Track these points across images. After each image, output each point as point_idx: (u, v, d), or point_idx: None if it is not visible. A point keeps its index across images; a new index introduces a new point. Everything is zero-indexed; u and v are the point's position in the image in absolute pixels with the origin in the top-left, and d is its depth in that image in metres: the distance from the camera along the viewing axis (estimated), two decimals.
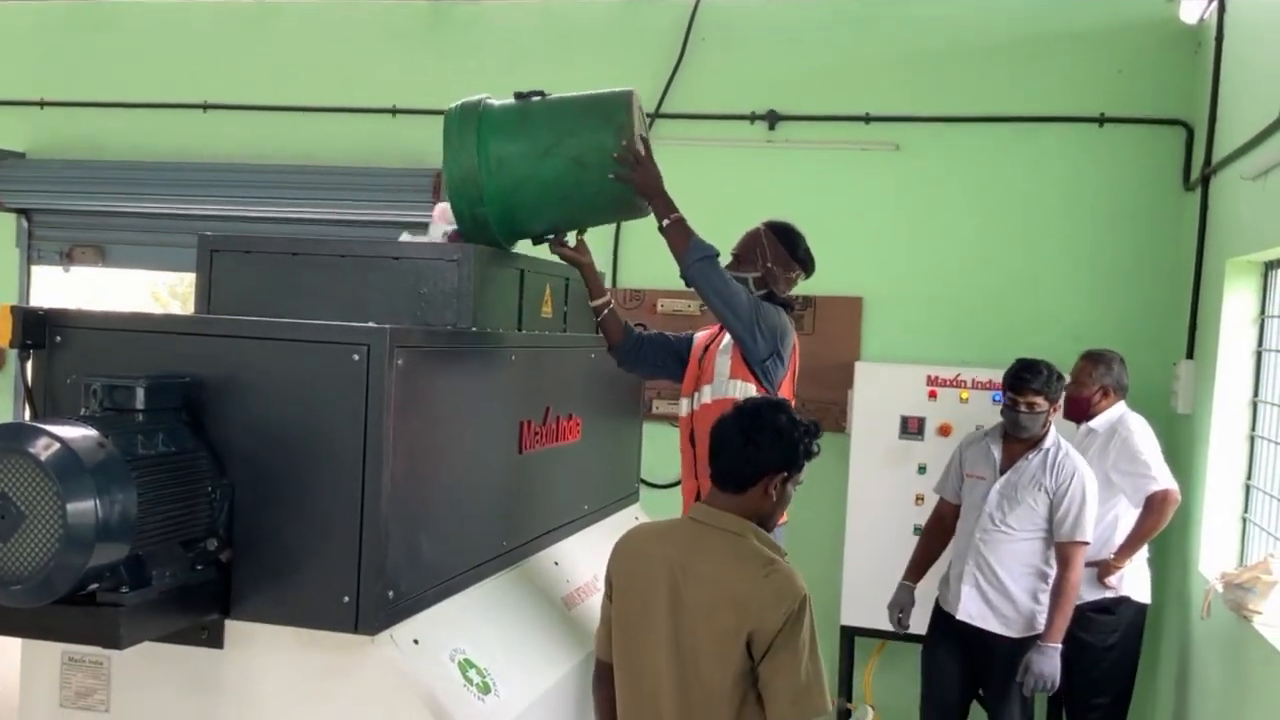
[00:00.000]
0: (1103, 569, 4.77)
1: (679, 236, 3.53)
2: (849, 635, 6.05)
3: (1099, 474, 4.75)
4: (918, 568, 4.99)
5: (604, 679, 2.94)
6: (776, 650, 2.65)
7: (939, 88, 6.24)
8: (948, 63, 6.23)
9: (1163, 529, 4.80)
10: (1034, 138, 6.11)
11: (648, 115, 6.50)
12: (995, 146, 6.17)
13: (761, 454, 2.78)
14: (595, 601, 3.62)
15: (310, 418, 2.61)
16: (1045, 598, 4.51)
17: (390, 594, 2.62)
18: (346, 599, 2.57)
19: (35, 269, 7.45)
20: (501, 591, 3.26)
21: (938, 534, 4.97)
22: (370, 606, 2.57)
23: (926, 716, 4.93)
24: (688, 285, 3.62)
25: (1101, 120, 6.01)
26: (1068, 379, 4.80)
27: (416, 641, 2.70)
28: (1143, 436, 4.86)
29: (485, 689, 2.80)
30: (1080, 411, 5.03)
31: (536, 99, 3.37)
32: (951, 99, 6.22)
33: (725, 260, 3.84)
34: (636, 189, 3.39)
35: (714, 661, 2.69)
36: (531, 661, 3.13)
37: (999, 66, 6.17)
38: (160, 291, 14.02)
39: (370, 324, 2.66)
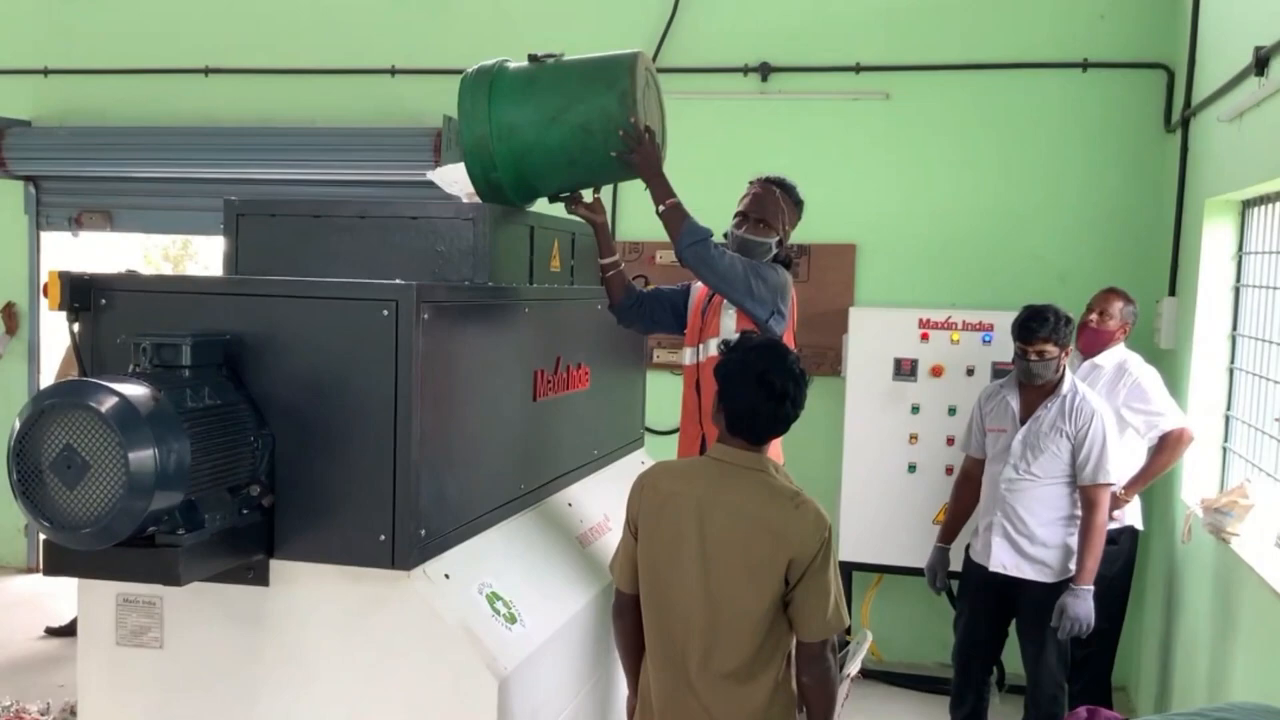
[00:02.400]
0: (1112, 502, 4.83)
1: (674, 221, 3.68)
2: (847, 570, 6.25)
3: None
4: (950, 529, 4.98)
5: (626, 609, 3.09)
6: (813, 574, 2.85)
7: (927, 37, 6.38)
8: (935, 12, 6.37)
9: (1174, 465, 4.97)
10: (1020, 84, 6.26)
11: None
12: (982, 93, 6.33)
13: (789, 419, 2.95)
14: (608, 539, 3.82)
15: (344, 370, 2.78)
16: (1075, 541, 4.50)
17: (423, 532, 2.81)
18: (383, 538, 2.75)
19: (45, 235, 7.60)
20: (522, 530, 3.45)
21: (966, 491, 4.94)
22: (405, 544, 2.76)
23: (959, 661, 4.91)
24: (682, 265, 3.77)
25: (1085, 65, 6.16)
26: (1075, 320, 4.72)
27: (448, 576, 2.89)
28: (1151, 376, 4.98)
29: (511, 619, 3.00)
30: (1101, 345, 5.06)
31: (550, 60, 3.49)
32: (939, 47, 6.36)
33: (731, 232, 4.00)
34: (635, 169, 3.55)
35: (748, 588, 2.86)
36: (553, 594, 3.32)
37: (985, 14, 6.31)
38: (153, 255, 14.14)
39: (398, 281, 2.82)
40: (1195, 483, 5.13)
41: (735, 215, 4.07)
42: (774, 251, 4.03)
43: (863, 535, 6.10)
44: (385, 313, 2.75)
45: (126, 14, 7.38)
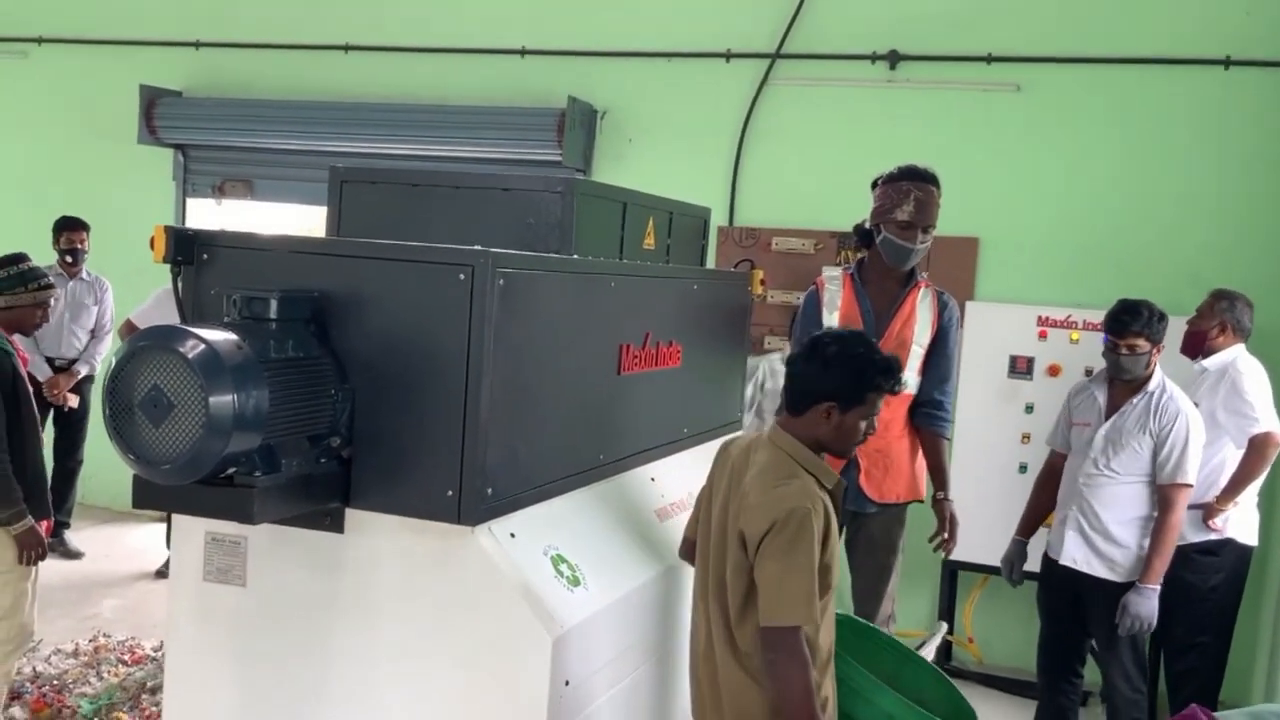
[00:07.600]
0: (1207, 511, 4.77)
1: None
2: (951, 570, 6.20)
3: (1206, 413, 4.74)
4: (1029, 522, 4.97)
5: (685, 552, 3.44)
6: (762, 555, 2.91)
7: (1061, 28, 6.24)
8: (1070, 2, 6.21)
9: (1266, 472, 4.80)
10: (1157, 80, 6.07)
11: (769, 56, 6.65)
12: (1117, 88, 6.15)
13: (813, 381, 3.03)
14: (686, 516, 3.85)
15: (421, 330, 2.88)
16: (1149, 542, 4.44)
17: (489, 491, 2.89)
18: (450, 493, 2.84)
19: (190, 201, 7.99)
20: (597, 499, 3.50)
21: (1049, 487, 4.91)
22: (471, 501, 2.84)
23: (1039, 660, 4.96)
24: None
25: (1227, 63, 5.94)
26: (1169, 318, 4.64)
27: (513, 535, 2.97)
28: (1253, 378, 4.85)
29: (575, 582, 3.07)
30: (1197, 346, 5.01)
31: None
32: (1074, 39, 6.21)
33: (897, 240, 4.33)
34: None
35: (723, 556, 3.06)
36: (620, 563, 3.38)
37: (1122, 7, 6.14)
38: (319, 230, 14.70)
39: (476, 247, 2.90)
40: None
41: (902, 225, 4.27)
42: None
43: (971, 535, 5.88)
44: (462, 277, 2.82)
45: None
